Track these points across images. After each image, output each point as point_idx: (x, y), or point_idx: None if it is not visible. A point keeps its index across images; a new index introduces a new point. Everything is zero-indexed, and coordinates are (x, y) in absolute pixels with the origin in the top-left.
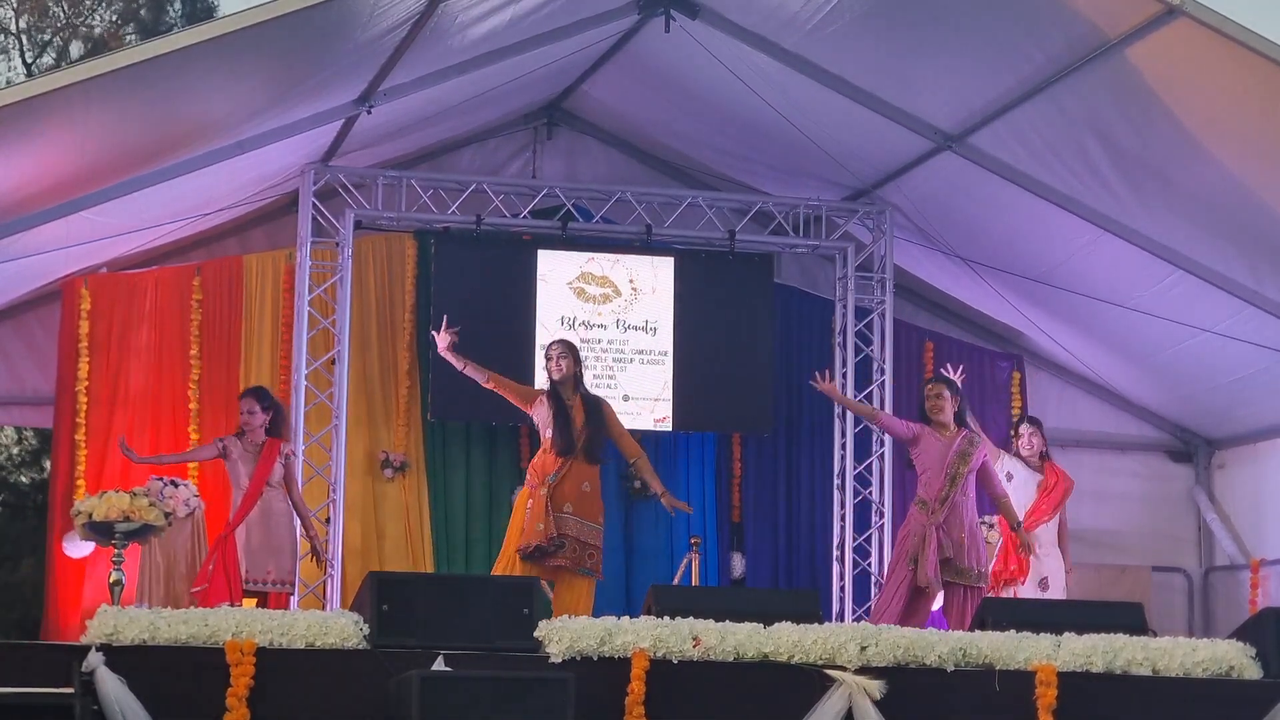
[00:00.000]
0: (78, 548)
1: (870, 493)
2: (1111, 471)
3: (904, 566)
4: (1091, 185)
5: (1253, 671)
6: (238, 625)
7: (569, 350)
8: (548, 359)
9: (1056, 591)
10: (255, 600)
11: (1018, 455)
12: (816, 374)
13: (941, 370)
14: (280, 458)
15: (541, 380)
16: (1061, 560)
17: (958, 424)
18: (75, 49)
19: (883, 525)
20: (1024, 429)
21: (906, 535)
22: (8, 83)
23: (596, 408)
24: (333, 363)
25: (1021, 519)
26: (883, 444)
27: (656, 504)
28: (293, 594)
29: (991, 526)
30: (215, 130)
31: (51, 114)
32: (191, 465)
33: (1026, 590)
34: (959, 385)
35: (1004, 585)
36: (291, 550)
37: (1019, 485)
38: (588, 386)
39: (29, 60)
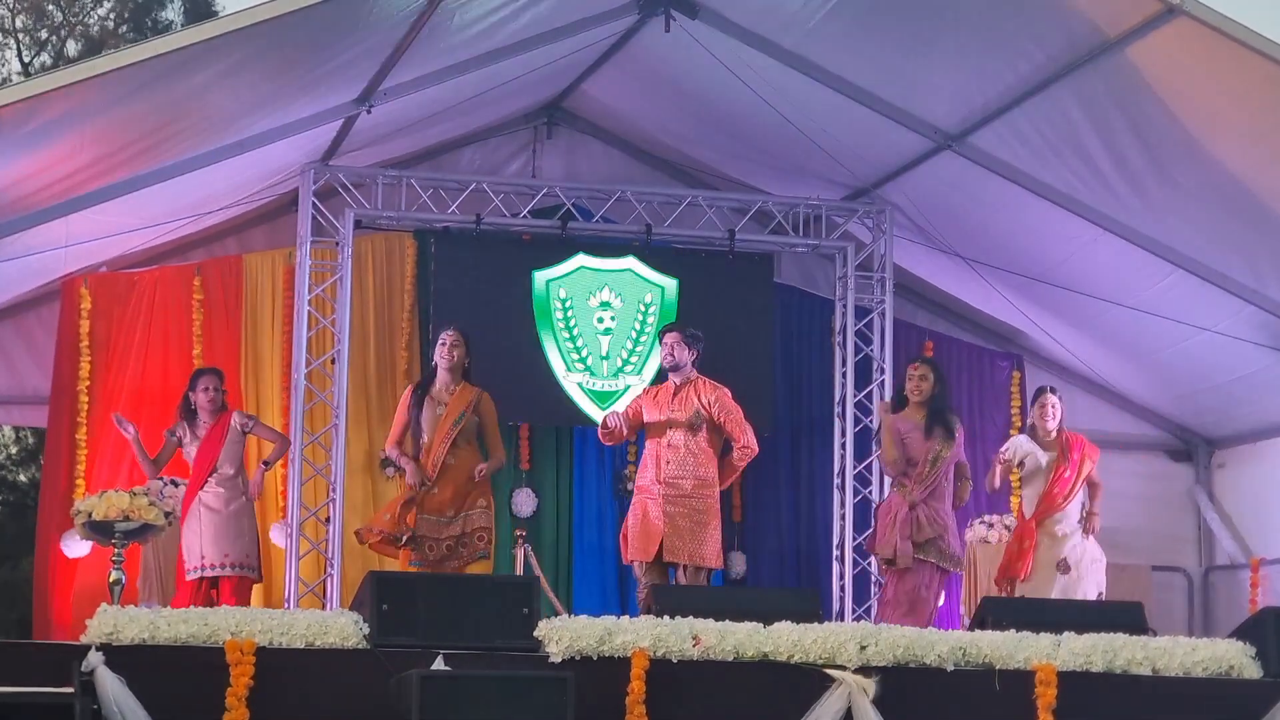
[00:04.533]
0: (76, 547)
1: (870, 492)
2: (1111, 471)
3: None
4: (1092, 184)
5: (1252, 671)
6: (237, 624)
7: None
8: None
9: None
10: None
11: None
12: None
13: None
14: (231, 436)
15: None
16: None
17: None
18: (72, 48)
19: None
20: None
21: (888, 522)
22: (6, 82)
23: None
24: (332, 362)
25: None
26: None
27: None
28: (257, 580)
29: (991, 525)
30: (215, 129)
31: (51, 113)
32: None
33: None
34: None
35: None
36: (251, 534)
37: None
38: None
39: (26, 60)
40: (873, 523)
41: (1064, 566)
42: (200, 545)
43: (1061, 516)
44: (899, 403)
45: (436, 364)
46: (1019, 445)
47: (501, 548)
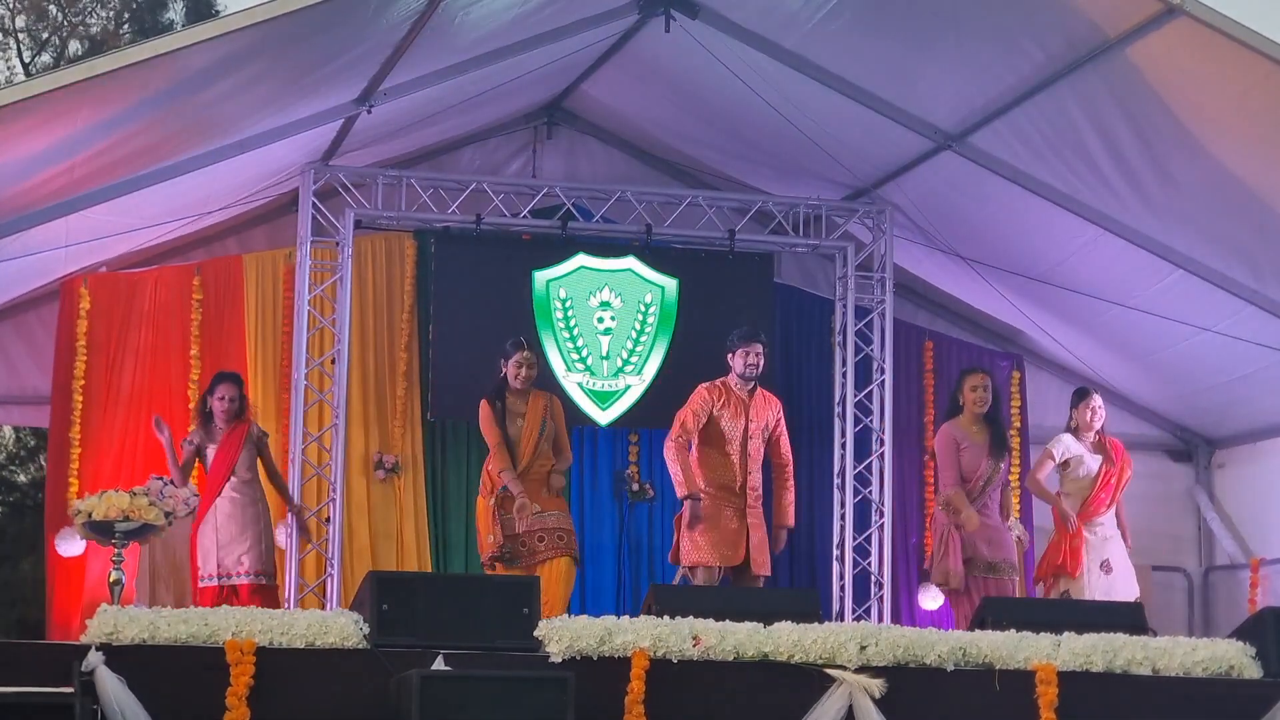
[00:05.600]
0: (70, 546)
1: (870, 492)
2: None
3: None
4: (1092, 184)
5: (1252, 671)
6: (238, 624)
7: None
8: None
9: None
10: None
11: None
12: None
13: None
14: (248, 441)
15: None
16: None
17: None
18: (74, 48)
19: (883, 525)
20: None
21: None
22: (7, 82)
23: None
24: (332, 362)
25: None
26: (882, 443)
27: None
28: (273, 585)
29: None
30: (215, 129)
31: (52, 113)
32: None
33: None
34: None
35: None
36: (268, 541)
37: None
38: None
39: (27, 60)
40: (933, 547)
41: (1107, 567)
42: (216, 552)
43: (1103, 520)
44: (951, 411)
45: (506, 379)
46: (1067, 445)
47: None
